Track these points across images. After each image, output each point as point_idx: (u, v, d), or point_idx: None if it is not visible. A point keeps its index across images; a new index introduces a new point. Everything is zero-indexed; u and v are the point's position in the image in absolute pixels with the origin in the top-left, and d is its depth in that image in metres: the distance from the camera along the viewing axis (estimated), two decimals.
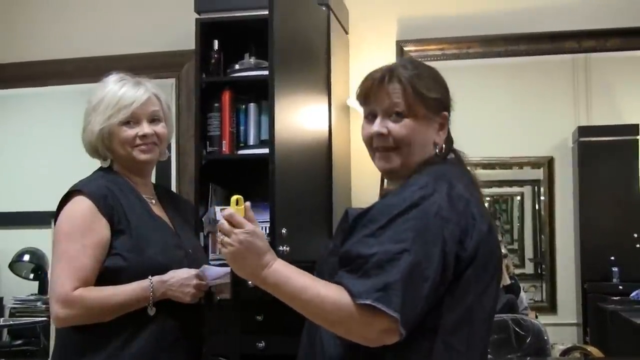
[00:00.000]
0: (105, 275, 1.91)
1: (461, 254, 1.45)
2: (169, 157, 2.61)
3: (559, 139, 3.75)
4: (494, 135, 3.75)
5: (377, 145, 1.60)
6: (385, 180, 1.70)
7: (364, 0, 3.41)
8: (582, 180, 3.64)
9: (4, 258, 4.12)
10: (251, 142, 3.00)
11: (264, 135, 2.95)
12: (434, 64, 1.69)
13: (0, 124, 4.24)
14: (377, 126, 1.58)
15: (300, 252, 2.34)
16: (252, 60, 3.01)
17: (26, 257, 4.15)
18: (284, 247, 2.21)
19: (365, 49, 3.35)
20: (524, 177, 3.92)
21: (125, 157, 2.04)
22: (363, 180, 3.17)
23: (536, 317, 3.40)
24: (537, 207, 3.87)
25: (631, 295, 3.39)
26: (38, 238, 4.08)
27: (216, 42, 3.00)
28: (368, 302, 1.37)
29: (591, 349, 3.23)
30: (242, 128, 3.01)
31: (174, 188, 3.40)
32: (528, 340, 3.10)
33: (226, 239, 1.48)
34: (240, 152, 2.98)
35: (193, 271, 1.97)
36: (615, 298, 3.42)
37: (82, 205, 1.93)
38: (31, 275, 4.16)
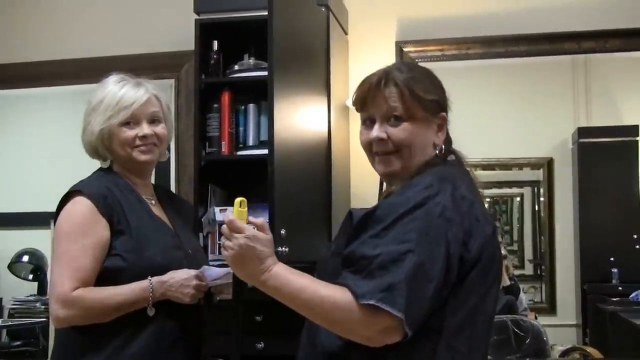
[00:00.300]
0: (105, 276, 1.91)
1: (465, 255, 1.45)
2: (169, 158, 2.61)
3: (559, 140, 3.75)
4: (494, 136, 3.75)
5: (376, 150, 1.60)
6: (384, 184, 1.70)
7: (363, 1, 3.41)
8: (582, 181, 3.64)
9: (4, 259, 4.12)
10: (250, 142, 3.00)
11: (263, 136, 2.95)
12: (433, 65, 1.70)
13: (0, 124, 4.24)
14: (377, 131, 1.58)
15: (299, 252, 2.35)
16: (252, 61, 3.01)
17: (25, 258, 4.15)
18: (283, 248, 2.21)
19: (364, 50, 3.35)
20: (523, 178, 3.91)
21: (125, 158, 2.04)
22: (362, 181, 3.17)
23: (536, 318, 3.40)
24: (536, 208, 3.86)
25: (631, 296, 3.39)
26: (37, 239, 4.08)
27: (215, 43, 3.01)
28: (371, 302, 1.37)
29: (591, 350, 3.23)
30: (241, 129, 3.01)
31: (173, 189, 3.40)
32: (527, 341, 3.10)
33: (227, 242, 1.49)
34: (240, 152, 2.98)
35: (192, 272, 1.97)
36: (614, 299, 3.42)
37: (82, 205, 1.93)
38: (30, 276, 4.16)
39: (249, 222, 1.51)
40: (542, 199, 3.82)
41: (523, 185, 3.92)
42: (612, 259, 3.52)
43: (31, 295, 4.06)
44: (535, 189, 3.86)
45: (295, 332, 1.61)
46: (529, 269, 3.87)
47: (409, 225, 1.42)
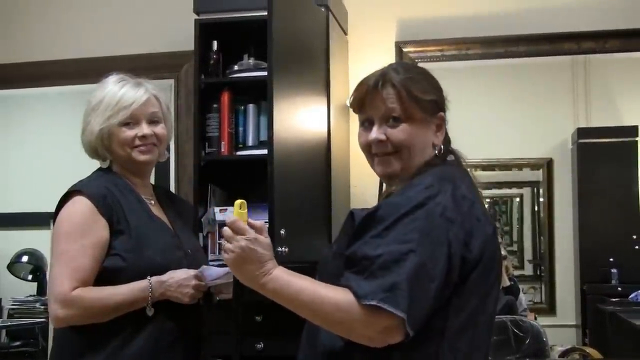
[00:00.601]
0: (104, 276, 1.91)
1: (467, 256, 1.46)
2: (168, 158, 2.61)
3: (558, 141, 3.74)
4: (493, 137, 3.75)
5: (375, 151, 1.60)
6: (384, 184, 1.70)
7: (363, 1, 3.41)
8: (582, 181, 3.64)
9: (3, 259, 4.11)
10: (250, 143, 3.00)
11: (263, 136, 2.95)
12: (433, 65, 1.70)
13: (0, 124, 4.24)
14: (375, 133, 1.58)
15: (299, 253, 2.35)
16: (251, 61, 3.01)
17: (25, 258, 4.14)
18: (283, 248, 2.21)
19: (364, 50, 3.35)
20: (523, 178, 3.91)
21: (125, 158, 2.04)
22: (362, 181, 3.17)
23: (535, 318, 3.40)
24: (536, 208, 3.86)
25: (630, 296, 3.39)
26: (37, 239, 4.07)
27: (215, 43, 3.00)
28: (373, 302, 1.37)
29: (590, 350, 3.23)
30: (241, 129, 3.01)
31: (173, 189, 3.40)
32: (527, 342, 3.10)
33: (228, 244, 1.48)
34: (239, 153, 2.98)
35: (192, 271, 1.97)
36: (614, 299, 3.41)
37: (81, 205, 1.93)
38: (30, 277, 4.15)
39: (248, 225, 1.51)
40: (541, 199, 3.82)
41: (522, 185, 3.91)
42: (611, 259, 3.52)
43: (30, 296, 4.05)
44: (535, 189, 3.85)
45: (295, 332, 1.61)
46: (528, 270, 3.87)
47: (411, 225, 1.43)
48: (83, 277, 1.88)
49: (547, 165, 3.78)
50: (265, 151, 2.38)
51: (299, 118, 2.65)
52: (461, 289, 1.46)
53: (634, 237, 3.52)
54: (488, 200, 3.84)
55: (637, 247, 3.50)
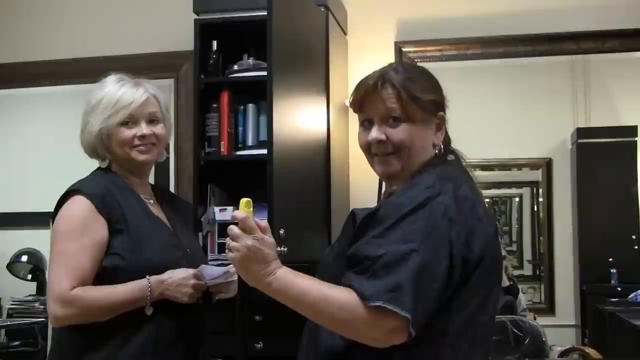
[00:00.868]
0: (103, 275, 1.91)
1: (468, 256, 1.45)
2: (168, 158, 2.61)
3: (558, 141, 3.75)
4: (493, 137, 3.75)
5: (376, 151, 1.60)
6: (384, 184, 1.70)
7: (362, 1, 3.41)
8: (581, 181, 3.64)
9: (2, 259, 4.11)
10: (250, 143, 3.00)
11: (263, 136, 2.95)
12: (432, 65, 1.70)
13: (0, 124, 4.24)
14: (375, 133, 1.58)
15: (298, 252, 2.35)
16: (251, 61, 3.01)
17: (24, 258, 4.14)
18: (283, 248, 2.21)
19: (364, 50, 3.35)
20: (522, 178, 3.91)
21: (124, 158, 2.04)
22: (361, 181, 3.17)
23: (535, 318, 3.40)
24: (535, 208, 3.86)
25: (629, 296, 3.39)
26: (36, 239, 4.06)
27: (215, 43, 3.00)
28: (379, 303, 1.37)
29: (590, 350, 3.23)
30: (240, 129, 3.01)
31: (172, 189, 3.40)
32: (526, 342, 3.10)
33: (233, 243, 1.48)
34: (239, 153, 2.98)
35: (191, 271, 1.97)
36: (613, 300, 3.42)
37: (80, 204, 1.93)
38: (29, 276, 4.15)
39: None
40: (541, 199, 3.82)
41: (522, 185, 3.92)
42: (611, 259, 3.53)
43: (30, 295, 4.06)
44: (534, 189, 3.86)
45: (295, 332, 1.61)
46: (528, 270, 3.87)
47: (412, 225, 1.42)
48: (82, 277, 1.88)
49: (547, 165, 3.79)
50: (264, 151, 2.38)
51: (299, 118, 2.65)
52: (462, 289, 1.46)
53: (634, 237, 3.52)
54: (487, 200, 3.84)
55: (636, 247, 3.51)
